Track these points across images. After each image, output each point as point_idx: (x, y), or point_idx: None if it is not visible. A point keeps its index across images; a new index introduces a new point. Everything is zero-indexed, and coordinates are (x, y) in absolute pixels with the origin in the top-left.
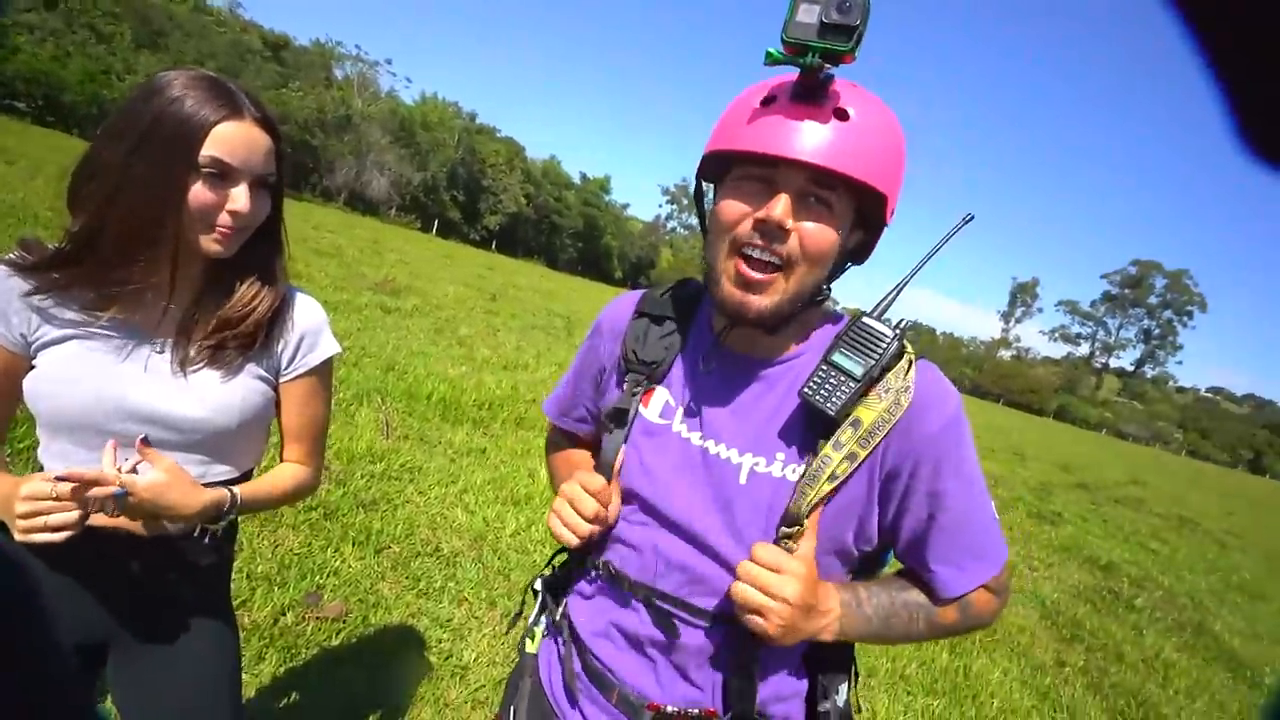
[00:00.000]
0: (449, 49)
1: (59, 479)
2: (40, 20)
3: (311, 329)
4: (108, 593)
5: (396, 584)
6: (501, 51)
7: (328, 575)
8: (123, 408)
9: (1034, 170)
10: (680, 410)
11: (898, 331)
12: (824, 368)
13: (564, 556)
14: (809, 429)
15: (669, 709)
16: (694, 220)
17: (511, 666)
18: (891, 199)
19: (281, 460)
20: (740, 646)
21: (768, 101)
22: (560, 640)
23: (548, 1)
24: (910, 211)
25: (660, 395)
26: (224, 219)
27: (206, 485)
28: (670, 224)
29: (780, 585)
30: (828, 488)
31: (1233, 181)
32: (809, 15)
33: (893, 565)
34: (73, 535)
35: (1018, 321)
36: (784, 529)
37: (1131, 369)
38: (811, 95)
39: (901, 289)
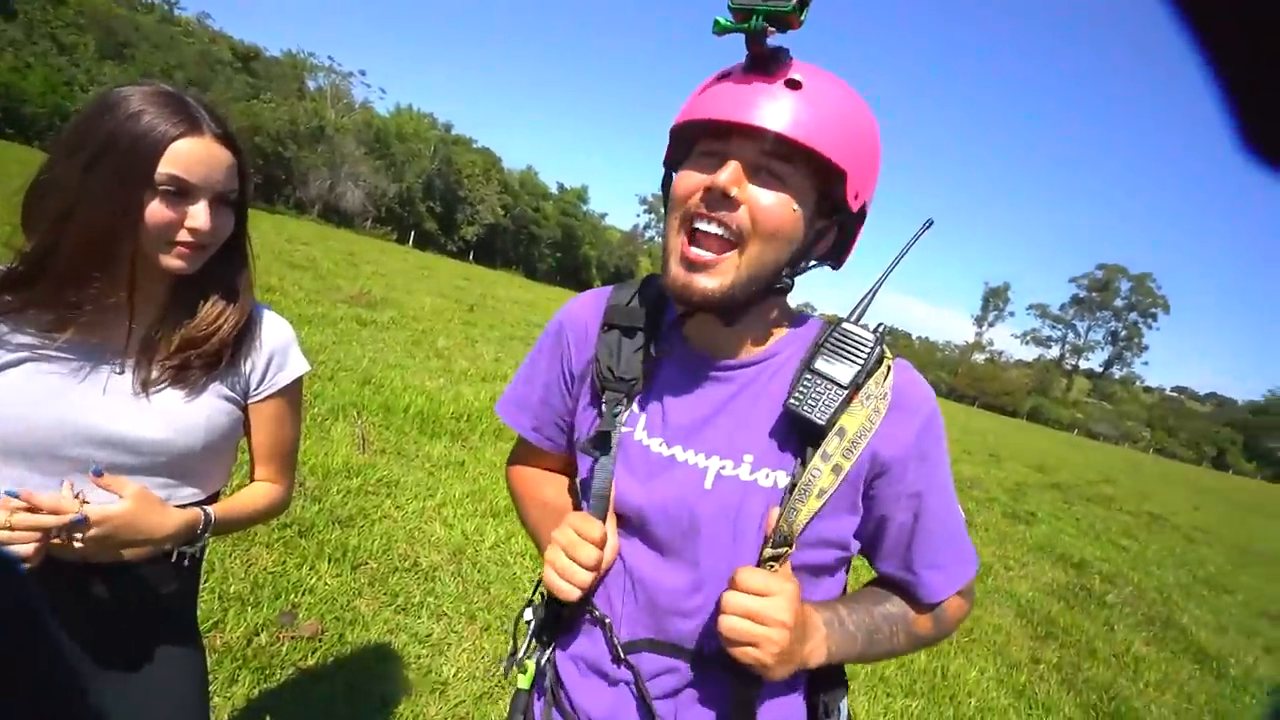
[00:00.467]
0: (424, 60)
1: (8, 493)
2: None
3: (280, 348)
4: (67, 622)
5: (374, 600)
6: (477, 62)
7: (303, 593)
8: (80, 431)
9: (1005, 174)
10: (643, 417)
11: (878, 335)
12: (808, 376)
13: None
14: (787, 438)
15: None
16: None
17: (492, 681)
18: (853, 178)
19: (252, 480)
20: (737, 685)
21: (723, 77)
22: (542, 689)
23: (523, 12)
24: (881, 220)
25: (629, 405)
26: (184, 236)
27: (188, 506)
28: (649, 233)
29: (772, 610)
30: (817, 504)
31: (1191, 187)
32: None
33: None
34: (31, 568)
35: (990, 325)
36: (772, 549)
37: (1100, 370)
38: (761, 65)
39: (874, 294)
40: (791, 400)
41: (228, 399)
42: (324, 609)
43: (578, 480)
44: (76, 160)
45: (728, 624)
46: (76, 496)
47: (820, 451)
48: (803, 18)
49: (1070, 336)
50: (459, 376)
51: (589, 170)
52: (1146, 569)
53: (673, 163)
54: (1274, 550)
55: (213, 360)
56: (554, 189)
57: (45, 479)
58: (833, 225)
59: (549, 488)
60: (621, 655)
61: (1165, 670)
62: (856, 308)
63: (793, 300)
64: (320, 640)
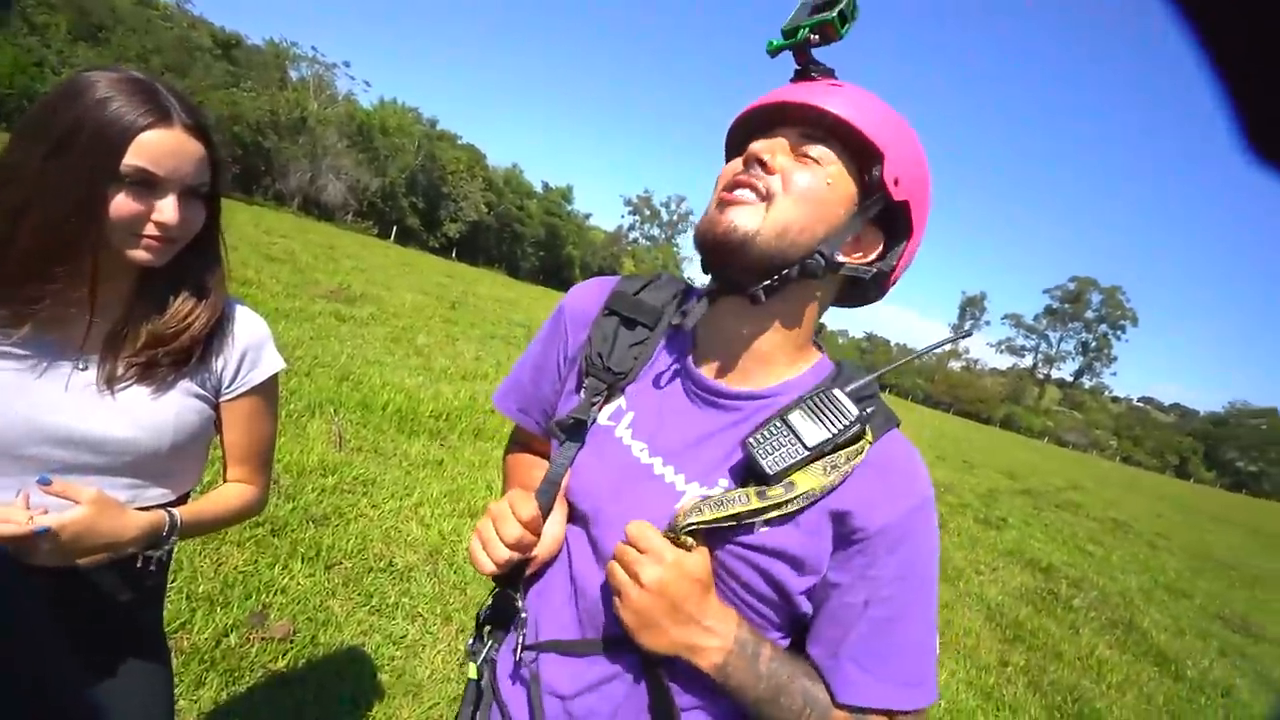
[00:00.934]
0: (409, 53)
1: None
2: None
3: (254, 344)
4: (18, 631)
5: (347, 601)
6: (464, 57)
7: (274, 594)
8: (40, 429)
9: (982, 186)
10: (630, 416)
11: (863, 415)
12: (776, 423)
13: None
14: (742, 471)
15: None
16: (656, 232)
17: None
18: (890, 160)
19: (224, 481)
20: (651, 679)
21: (777, 89)
22: (479, 686)
23: (512, 9)
24: None
25: (616, 402)
26: (151, 229)
27: (140, 509)
28: (632, 234)
29: (640, 564)
30: (722, 517)
31: (1161, 202)
32: (804, 9)
33: None
34: None
35: (965, 338)
36: (665, 531)
37: (1071, 380)
38: (806, 75)
39: (881, 376)
40: (751, 440)
41: (198, 397)
42: (296, 609)
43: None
44: (38, 148)
45: (609, 566)
46: (32, 506)
47: (759, 489)
48: (844, 31)
49: (1043, 346)
50: (439, 374)
51: (574, 170)
52: (1111, 574)
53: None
54: (1230, 557)
55: (182, 357)
56: (539, 188)
57: (4, 479)
58: (876, 232)
59: (536, 470)
60: (518, 655)
61: (1127, 672)
62: (859, 385)
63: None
64: (292, 642)
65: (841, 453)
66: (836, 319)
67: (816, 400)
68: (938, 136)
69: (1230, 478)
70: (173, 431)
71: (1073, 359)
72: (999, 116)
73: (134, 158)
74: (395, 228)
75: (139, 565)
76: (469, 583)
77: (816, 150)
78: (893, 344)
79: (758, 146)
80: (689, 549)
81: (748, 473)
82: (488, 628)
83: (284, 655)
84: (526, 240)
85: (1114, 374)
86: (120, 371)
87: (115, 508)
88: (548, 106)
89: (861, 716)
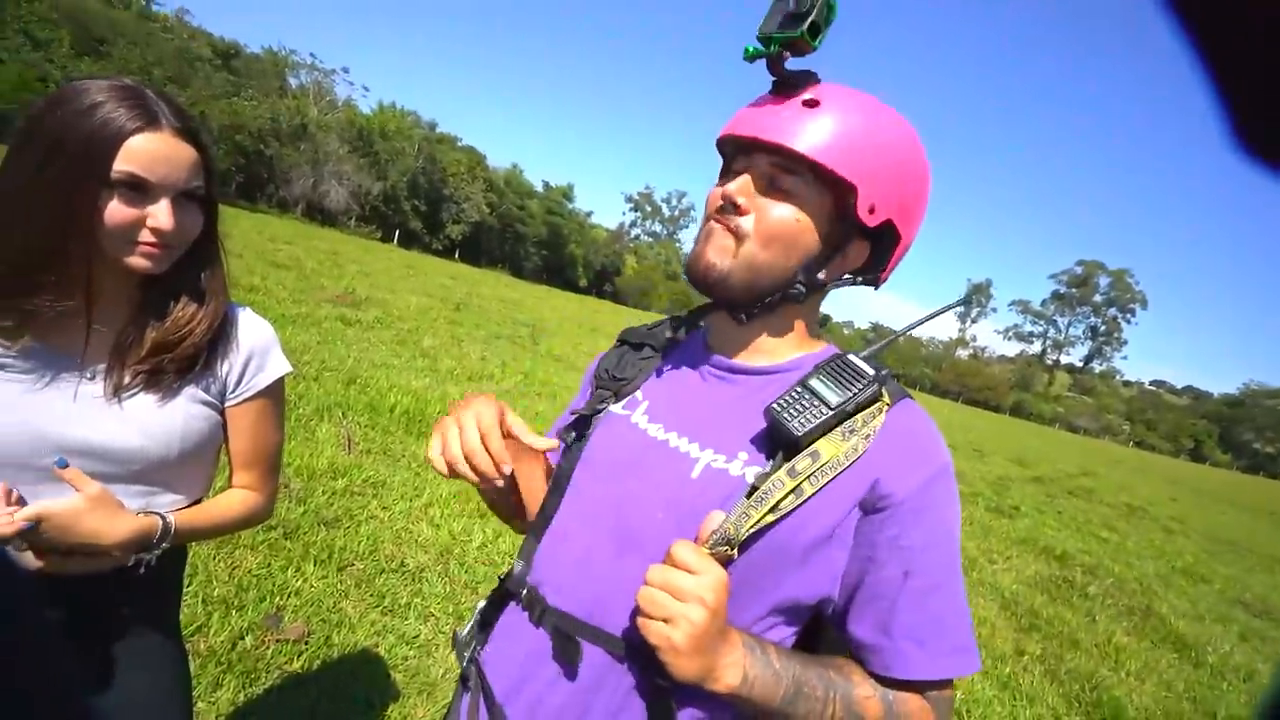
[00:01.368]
0: (407, 57)
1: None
2: None
3: (259, 348)
4: (33, 639)
5: (360, 602)
6: (461, 59)
7: (288, 596)
8: (49, 440)
9: (985, 172)
10: (646, 403)
11: (880, 374)
12: (797, 389)
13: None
14: (766, 444)
15: None
16: (658, 228)
17: None
18: (865, 192)
19: (230, 485)
20: (650, 683)
21: (758, 99)
22: (468, 687)
23: (507, 9)
24: None
25: (629, 395)
26: (146, 235)
27: (142, 513)
28: (634, 231)
29: (697, 587)
30: (770, 518)
31: (1170, 183)
32: (777, 13)
33: None
34: None
35: (973, 321)
36: (709, 548)
37: (1081, 365)
38: (782, 87)
39: (892, 343)
40: (775, 405)
41: (205, 403)
42: (310, 611)
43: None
44: (28, 158)
45: (646, 595)
46: (14, 498)
47: (789, 466)
48: (816, 44)
49: (1051, 332)
50: (445, 376)
51: (574, 169)
52: (1127, 560)
53: (723, 175)
54: (1248, 540)
55: (187, 364)
56: (539, 187)
57: (18, 488)
58: (860, 241)
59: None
60: (539, 615)
61: (1145, 659)
62: (871, 349)
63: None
64: (306, 643)
65: (859, 416)
66: (841, 310)
67: (834, 365)
68: (936, 123)
69: (1247, 460)
70: (180, 439)
71: (1082, 344)
72: (996, 99)
73: (124, 163)
74: (398, 231)
75: (130, 565)
76: (480, 582)
77: (789, 182)
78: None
79: (731, 188)
80: (731, 559)
81: (772, 440)
82: (482, 625)
83: (299, 656)
84: (529, 240)
85: (1124, 358)
86: (127, 380)
87: (110, 506)
88: (546, 106)
89: (894, 693)
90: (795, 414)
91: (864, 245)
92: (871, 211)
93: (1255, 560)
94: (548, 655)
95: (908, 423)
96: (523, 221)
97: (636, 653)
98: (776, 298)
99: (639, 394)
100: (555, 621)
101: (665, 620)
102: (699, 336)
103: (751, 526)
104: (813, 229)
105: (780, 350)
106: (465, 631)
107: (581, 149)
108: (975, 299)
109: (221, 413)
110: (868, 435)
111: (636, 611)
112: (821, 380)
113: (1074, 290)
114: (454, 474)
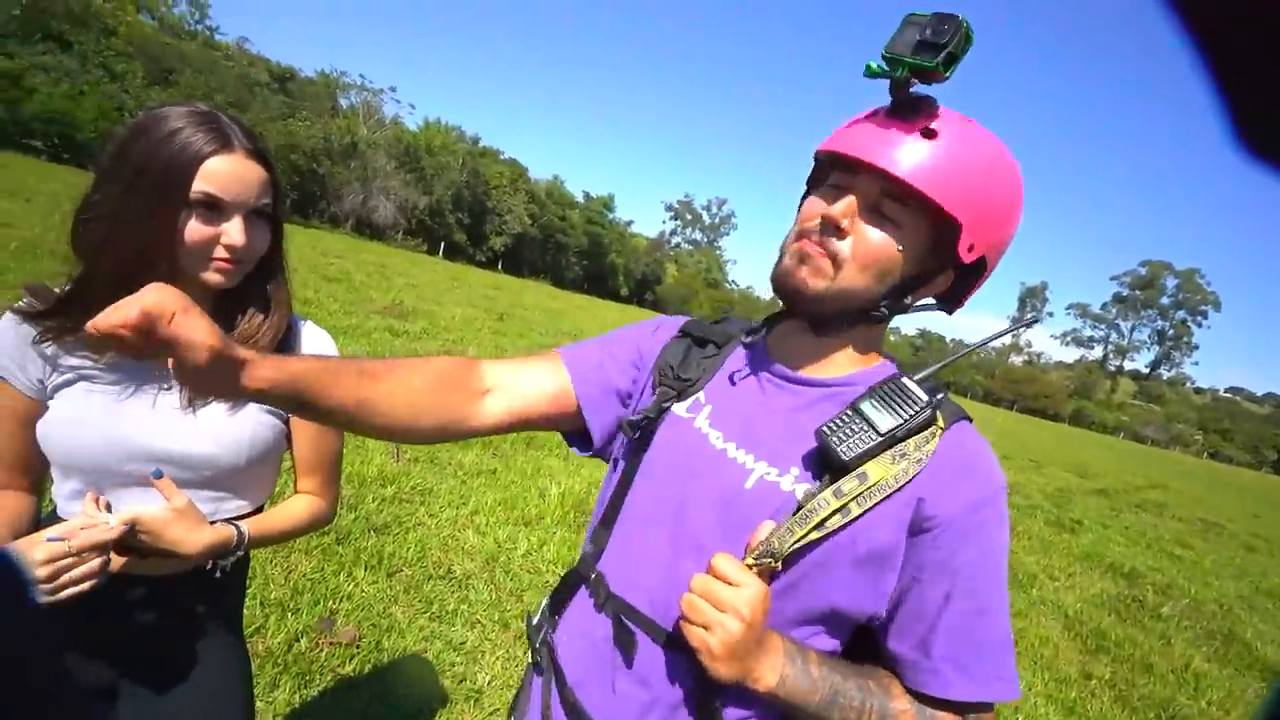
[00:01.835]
0: (451, 74)
1: (55, 539)
2: (55, 62)
3: None
4: (109, 632)
5: (409, 607)
6: (503, 74)
7: (340, 600)
8: (131, 448)
9: (1035, 171)
10: (709, 408)
11: (934, 399)
12: (849, 413)
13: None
14: (816, 462)
15: None
16: (698, 235)
17: None
18: (968, 230)
19: (295, 492)
20: (700, 677)
21: (871, 114)
22: (541, 669)
23: (546, 24)
24: None
25: (693, 397)
26: (220, 252)
27: (218, 521)
28: (674, 240)
29: (734, 598)
30: (815, 535)
31: (1239, 176)
32: (910, 34)
33: None
34: (97, 581)
35: (1027, 327)
36: (754, 559)
37: (1147, 371)
38: (901, 110)
39: (950, 364)
40: (825, 429)
41: (271, 412)
42: (361, 616)
43: (618, 459)
44: (116, 183)
45: (689, 600)
46: (103, 503)
47: (835, 487)
48: (948, 74)
49: (1113, 336)
50: None
51: (614, 178)
52: (1204, 579)
53: (813, 183)
54: None
55: None
56: (580, 198)
57: (102, 491)
58: (948, 270)
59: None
60: (603, 601)
61: (1229, 687)
62: (926, 372)
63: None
64: (358, 647)
65: (911, 440)
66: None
67: (887, 389)
68: (983, 113)
69: None
70: (249, 446)
71: (1147, 349)
72: (1049, 88)
73: (202, 183)
74: (443, 244)
75: (208, 568)
76: (525, 590)
77: (893, 210)
78: (947, 340)
79: (836, 210)
80: (775, 572)
81: (821, 461)
82: (552, 608)
83: (351, 660)
84: (570, 250)
85: (1195, 363)
86: None
87: (194, 518)
88: (586, 117)
89: (930, 710)
90: (844, 438)
91: (950, 275)
92: (970, 249)
93: None
94: (611, 642)
95: (961, 446)
96: (564, 232)
97: (686, 648)
98: (858, 317)
99: (702, 395)
100: (616, 609)
101: (704, 626)
102: (762, 341)
103: (795, 543)
104: (908, 258)
105: (840, 364)
106: (537, 616)
107: (621, 159)
108: (1030, 305)
109: (286, 422)
110: (919, 460)
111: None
112: (873, 404)
113: (1138, 292)
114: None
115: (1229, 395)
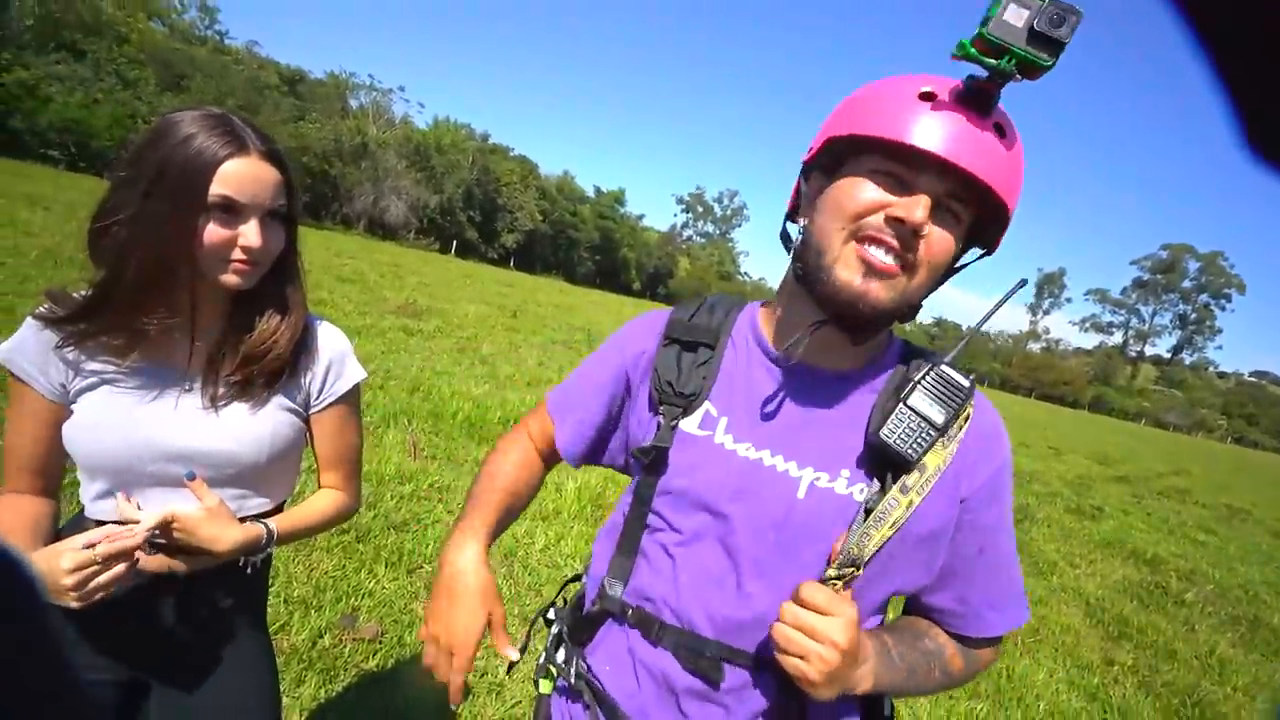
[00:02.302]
0: (459, 71)
1: (88, 546)
2: (69, 71)
3: (337, 357)
4: (141, 628)
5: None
6: (510, 71)
7: (362, 597)
8: (155, 448)
9: (1049, 157)
10: (724, 420)
11: (973, 383)
12: (905, 411)
13: (577, 586)
14: (872, 461)
15: None
16: (710, 228)
17: None
18: (1008, 221)
19: (319, 487)
20: (787, 695)
21: (926, 97)
22: (582, 703)
23: (553, 18)
24: None
25: (701, 410)
26: (238, 254)
27: (243, 518)
28: (686, 233)
29: (830, 629)
30: (890, 533)
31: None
32: (1017, 18)
33: None
34: (126, 582)
35: (1045, 313)
36: (836, 570)
37: (1169, 356)
38: (982, 103)
39: (968, 340)
40: (884, 431)
41: (290, 410)
42: (383, 612)
43: (630, 488)
44: (134, 189)
45: (781, 632)
46: (134, 503)
47: (900, 484)
48: (1050, 64)
49: (1134, 322)
50: (504, 382)
51: (625, 173)
52: (1228, 565)
53: (821, 162)
54: None
55: (274, 374)
56: (590, 193)
57: (129, 491)
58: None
59: (512, 455)
60: (657, 634)
61: (1255, 673)
62: (954, 351)
63: None
64: (380, 642)
65: (955, 423)
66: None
67: (933, 380)
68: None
69: None
70: (270, 444)
71: (1169, 334)
72: (1071, 76)
73: (219, 187)
74: (455, 242)
75: (240, 564)
76: (543, 584)
77: (958, 207)
78: (963, 327)
79: (919, 216)
80: (857, 578)
81: (879, 460)
82: (561, 641)
83: (374, 655)
84: (581, 245)
85: (1219, 347)
86: (221, 391)
87: (225, 518)
88: (595, 112)
89: (970, 648)
90: (907, 439)
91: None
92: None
93: None
94: (679, 672)
95: (984, 418)
96: (575, 227)
97: (770, 666)
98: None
99: (711, 408)
100: (677, 639)
101: (801, 657)
102: (746, 329)
103: (876, 547)
104: (956, 253)
105: (858, 352)
106: (559, 650)
107: (632, 153)
108: (1048, 292)
109: (306, 420)
110: (960, 439)
111: (771, 643)
112: (925, 398)
113: (1159, 276)
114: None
115: (1254, 380)
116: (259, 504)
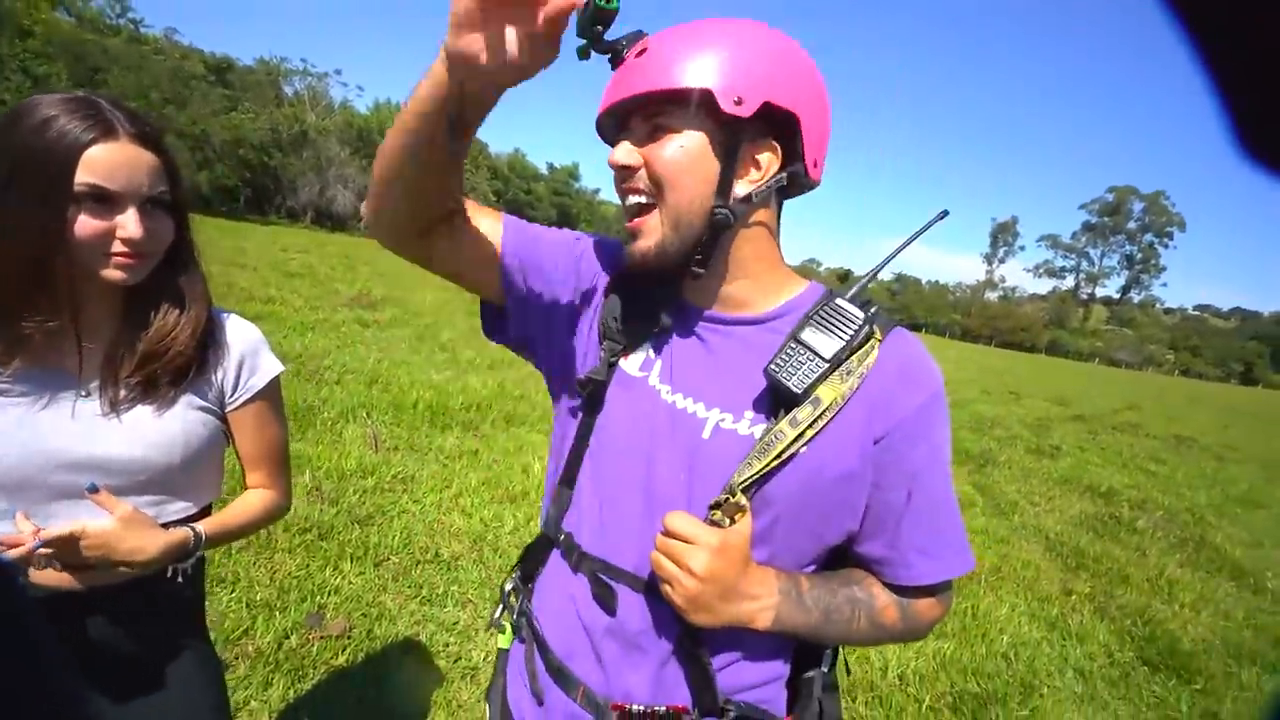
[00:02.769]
0: (397, 51)
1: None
2: None
3: (249, 351)
4: (74, 649)
5: (399, 594)
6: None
7: (329, 594)
8: (53, 459)
9: (1000, 107)
10: (659, 364)
11: (869, 314)
12: (792, 345)
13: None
14: (768, 399)
15: (634, 708)
16: None
17: None
18: (723, 90)
19: (245, 487)
20: (692, 637)
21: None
22: (522, 638)
23: None
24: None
25: (642, 352)
26: (118, 246)
27: (165, 525)
28: None
29: (687, 555)
30: (774, 463)
31: (1198, 99)
32: (581, 16)
33: None
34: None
35: (1001, 262)
36: (717, 498)
37: (1118, 296)
38: (616, 58)
39: (874, 276)
40: (772, 366)
41: (203, 409)
42: (351, 607)
43: (566, 414)
44: None
45: (653, 558)
46: (29, 521)
47: (790, 417)
48: (614, 4)
49: (1084, 265)
50: (466, 367)
51: (578, 147)
52: (1177, 492)
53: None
54: None
55: (179, 373)
56: (544, 170)
57: (32, 507)
58: (765, 143)
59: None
60: (577, 561)
61: (1201, 590)
62: (855, 286)
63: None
64: (349, 637)
65: (854, 356)
66: (866, 261)
67: (823, 313)
68: (937, 55)
69: None
70: (182, 446)
71: (1117, 274)
72: (1002, 24)
73: (85, 174)
74: None
75: (169, 575)
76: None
77: (661, 121)
78: (924, 282)
79: (618, 155)
80: (743, 510)
81: (775, 399)
82: (524, 578)
83: (343, 651)
84: (539, 223)
85: (1164, 285)
86: (123, 394)
87: (144, 525)
88: (542, 86)
89: (906, 599)
90: (793, 371)
91: (769, 145)
92: (739, 103)
93: None
94: (590, 602)
95: (899, 352)
96: (531, 205)
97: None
98: (708, 234)
99: (650, 351)
100: (592, 566)
101: (668, 583)
102: (681, 292)
103: (755, 475)
104: (707, 151)
105: (766, 297)
106: (510, 583)
107: (582, 126)
108: (1002, 240)
109: (223, 418)
110: (863, 373)
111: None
112: (814, 330)
113: (1106, 219)
114: None
115: (1197, 313)
116: (180, 509)
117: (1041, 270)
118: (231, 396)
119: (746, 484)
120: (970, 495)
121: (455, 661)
